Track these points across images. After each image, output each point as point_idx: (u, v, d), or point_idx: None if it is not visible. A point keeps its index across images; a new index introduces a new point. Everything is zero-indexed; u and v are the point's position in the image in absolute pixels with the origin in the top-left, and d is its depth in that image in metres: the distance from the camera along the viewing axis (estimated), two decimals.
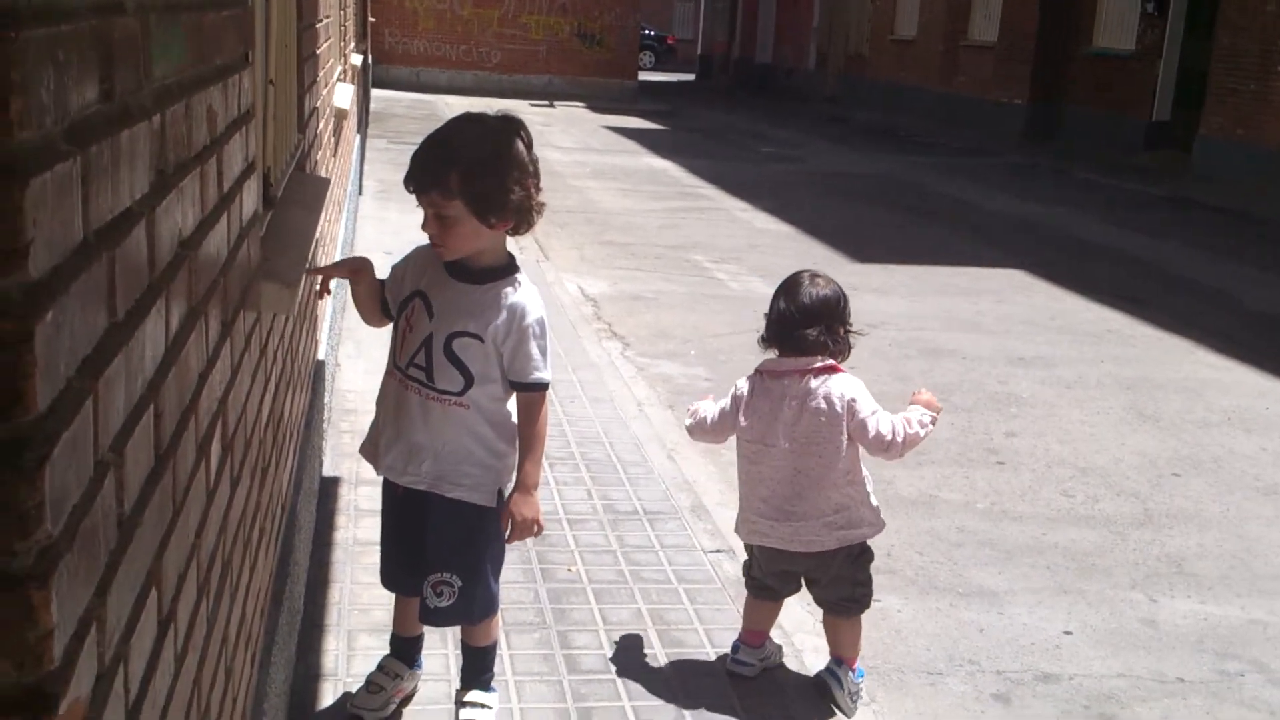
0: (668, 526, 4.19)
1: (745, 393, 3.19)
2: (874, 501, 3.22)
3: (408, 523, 2.80)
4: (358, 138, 10.33)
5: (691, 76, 40.78)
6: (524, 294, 2.67)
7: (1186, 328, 8.26)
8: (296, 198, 3.18)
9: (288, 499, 2.96)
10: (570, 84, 26.71)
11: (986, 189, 15.10)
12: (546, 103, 24.65)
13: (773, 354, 3.22)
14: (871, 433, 3.05)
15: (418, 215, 2.72)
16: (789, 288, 3.17)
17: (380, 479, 2.87)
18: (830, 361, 3.09)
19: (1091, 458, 5.57)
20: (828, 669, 3.28)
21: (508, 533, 2.73)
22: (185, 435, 1.43)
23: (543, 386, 2.69)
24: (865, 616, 3.35)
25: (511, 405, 2.75)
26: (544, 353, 2.68)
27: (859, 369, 6.82)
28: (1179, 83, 19.22)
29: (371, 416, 2.88)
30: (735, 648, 3.29)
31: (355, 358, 5.86)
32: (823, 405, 3.05)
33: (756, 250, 10.17)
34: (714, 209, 12.39)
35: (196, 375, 1.52)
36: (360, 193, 10.84)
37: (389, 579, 2.94)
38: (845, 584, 3.20)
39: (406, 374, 2.70)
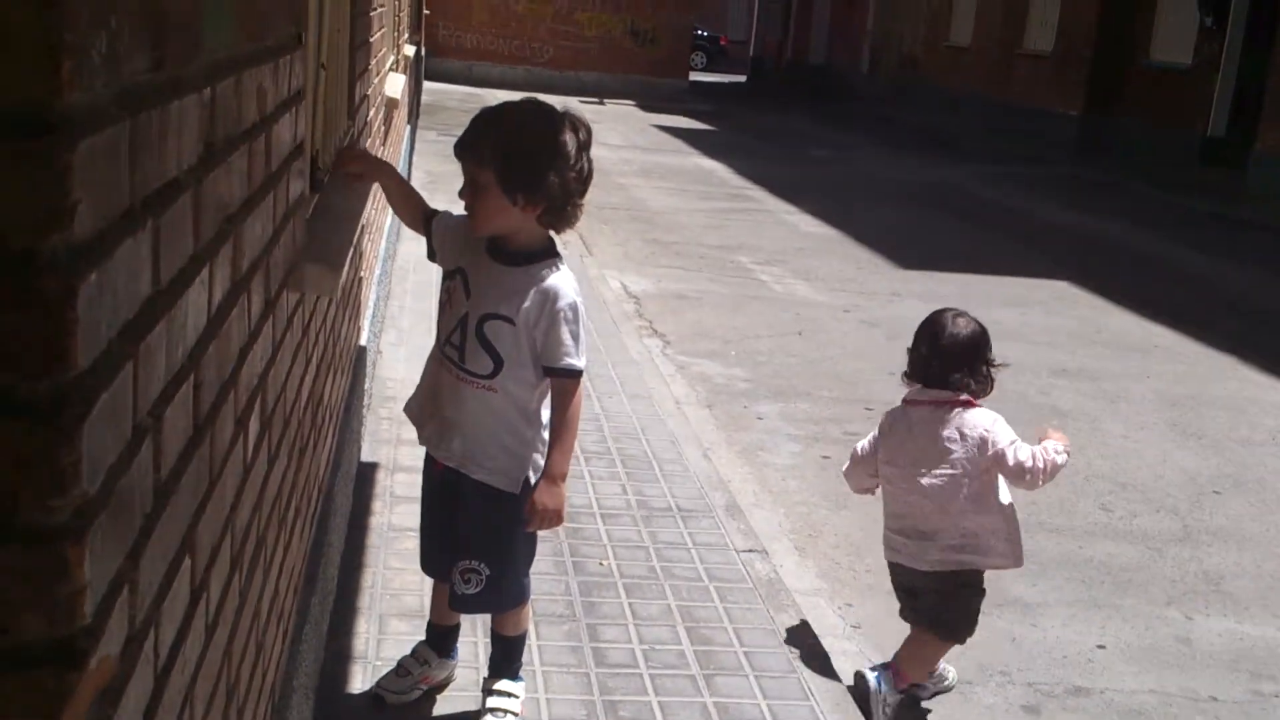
0: (701, 524, 4.19)
1: (888, 424, 3.33)
2: (1013, 534, 3.27)
3: (443, 504, 2.82)
4: (408, 128, 10.40)
5: (743, 77, 40.68)
6: (558, 278, 2.66)
7: (1235, 345, 8.14)
8: (344, 183, 3.21)
9: (325, 480, 2.99)
10: (621, 82, 26.74)
11: (1037, 199, 14.96)
12: (597, 100, 24.69)
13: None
14: (1011, 462, 3.14)
15: (460, 208, 2.75)
16: (932, 331, 3.29)
17: (418, 467, 2.89)
18: (966, 396, 3.20)
19: (1132, 473, 5.51)
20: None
21: (528, 520, 2.72)
22: (224, 408, 1.45)
23: (575, 373, 2.68)
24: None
25: (542, 392, 2.75)
26: (576, 339, 2.67)
27: (899, 375, 6.82)
28: (1236, 98, 18.95)
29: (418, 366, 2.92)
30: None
31: (397, 345, 5.90)
32: (955, 436, 3.17)
33: (801, 253, 10.13)
34: (760, 210, 12.36)
35: (237, 350, 1.54)
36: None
37: (427, 562, 2.96)
38: (945, 604, 3.27)
39: (443, 352, 2.72)
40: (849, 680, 3.37)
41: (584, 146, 2.64)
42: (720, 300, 8.19)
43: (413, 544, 3.74)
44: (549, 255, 2.69)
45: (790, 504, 4.77)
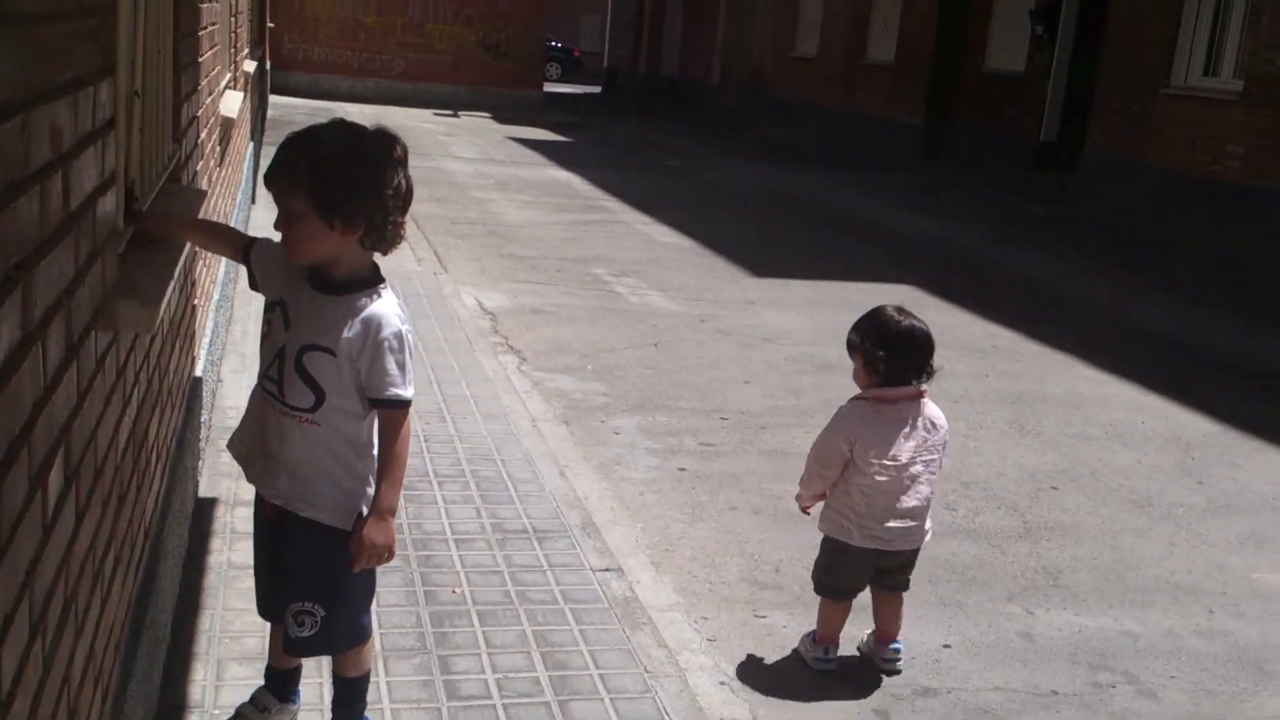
0: (557, 545, 4.17)
1: (854, 422, 3.58)
2: None
3: (273, 544, 2.74)
4: (251, 145, 10.13)
5: (598, 89, 40.85)
6: (381, 306, 2.60)
7: (1071, 343, 8.47)
8: (168, 211, 3.10)
9: (152, 524, 2.87)
10: (475, 94, 26.56)
11: (884, 206, 15.37)
12: (451, 112, 24.48)
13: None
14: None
15: None
16: (911, 331, 3.60)
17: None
18: (924, 387, 3.66)
19: (974, 471, 5.69)
20: (891, 647, 3.75)
21: (355, 557, 2.65)
22: (15, 469, 1.38)
23: (402, 404, 2.63)
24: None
25: (371, 424, 2.69)
26: (403, 368, 2.61)
27: (754, 384, 6.93)
28: (1066, 104, 19.80)
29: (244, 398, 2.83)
30: (825, 650, 3.70)
31: (240, 372, 5.73)
32: (930, 425, 3.65)
33: (657, 264, 10.20)
34: (616, 221, 12.40)
35: (30, 404, 1.46)
36: (253, 202, 10.63)
37: (263, 605, 2.87)
38: (911, 567, 3.78)
39: (263, 386, 2.65)
40: (703, 694, 3.39)
41: (399, 163, 2.59)
42: (577, 314, 8.18)
43: (253, 583, 3.64)
44: (371, 283, 2.63)
45: (647, 518, 4.78)
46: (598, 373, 6.83)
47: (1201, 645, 4.01)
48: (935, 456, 3.66)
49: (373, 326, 2.57)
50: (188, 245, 2.85)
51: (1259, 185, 14.50)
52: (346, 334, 2.56)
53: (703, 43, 32.61)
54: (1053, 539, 4.89)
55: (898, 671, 3.71)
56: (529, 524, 4.32)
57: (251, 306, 6.90)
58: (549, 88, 32.16)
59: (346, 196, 2.48)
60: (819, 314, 8.75)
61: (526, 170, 16.22)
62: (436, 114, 24.03)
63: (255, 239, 2.75)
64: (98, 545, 1.94)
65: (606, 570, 4.01)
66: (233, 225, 5.47)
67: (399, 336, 2.60)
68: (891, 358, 3.57)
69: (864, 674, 3.72)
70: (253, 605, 3.29)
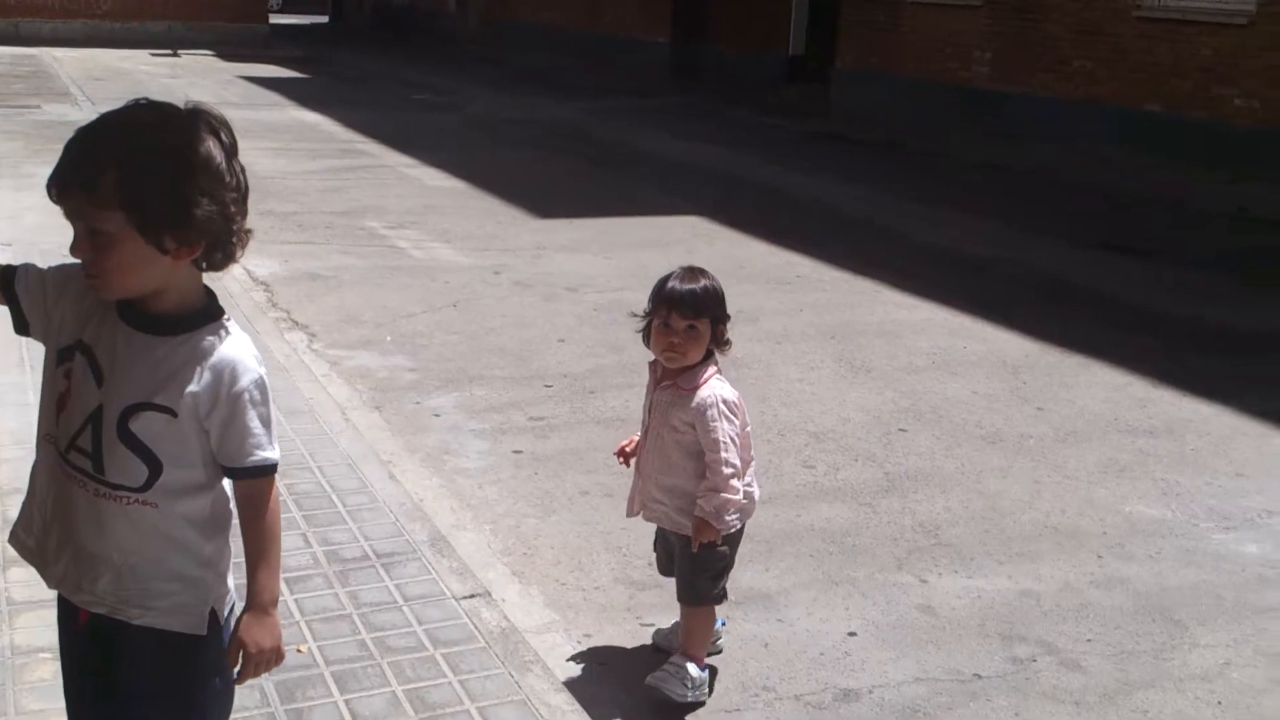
0: (407, 570, 3.59)
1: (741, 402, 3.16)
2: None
3: (95, 665, 2.07)
4: None
5: (325, 19, 38.70)
6: (232, 347, 1.97)
7: (867, 266, 8.37)
8: None
9: None
10: (195, 31, 24.49)
11: (646, 131, 15.01)
12: (170, 52, 22.48)
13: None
14: None
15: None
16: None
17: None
18: None
19: (819, 419, 5.42)
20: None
21: (237, 669, 2.06)
22: None
23: (269, 469, 2.03)
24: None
25: (220, 494, 2.07)
26: (267, 423, 2.01)
27: (569, 341, 6.44)
28: (811, 17, 19.92)
29: (11, 469, 2.11)
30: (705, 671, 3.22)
31: None
32: None
33: (434, 211, 9.49)
34: (379, 166, 11.54)
35: None
36: None
37: None
38: None
39: (67, 459, 1.97)
40: None
41: (231, 152, 1.94)
42: (359, 276, 7.44)
43: (50, 670, 2.93)
44: (211, 314, 1.99)
45: (494, 517, 4.25)
46: (398, 344, 6.18)
47: (1104, 598, 3.85)
48: None
49: (226, 375, 1.94)
50: None
51: (1007, 90, 14.96)
52: (192, 387, 1.92)
53: None
54: (919, 490, 4.67)
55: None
56: (369, 548, 3.72)
57: None
58: (273, 20, 30.11)
59: (177, 205, 1.84)
60: (615, 255, 8.31)
61: (266, 113, 14.98)
62: (154, 54, 22.01)
63: (12, 268, 2.03)
64: None
65: (472, 597, 3.47)
66: None
67: (260, 385, 1.98)
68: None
69: (773, 686, 3.35)
70: (53, 703, 2.63)
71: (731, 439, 3.06)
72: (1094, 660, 3.49)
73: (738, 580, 3.85)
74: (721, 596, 3.24)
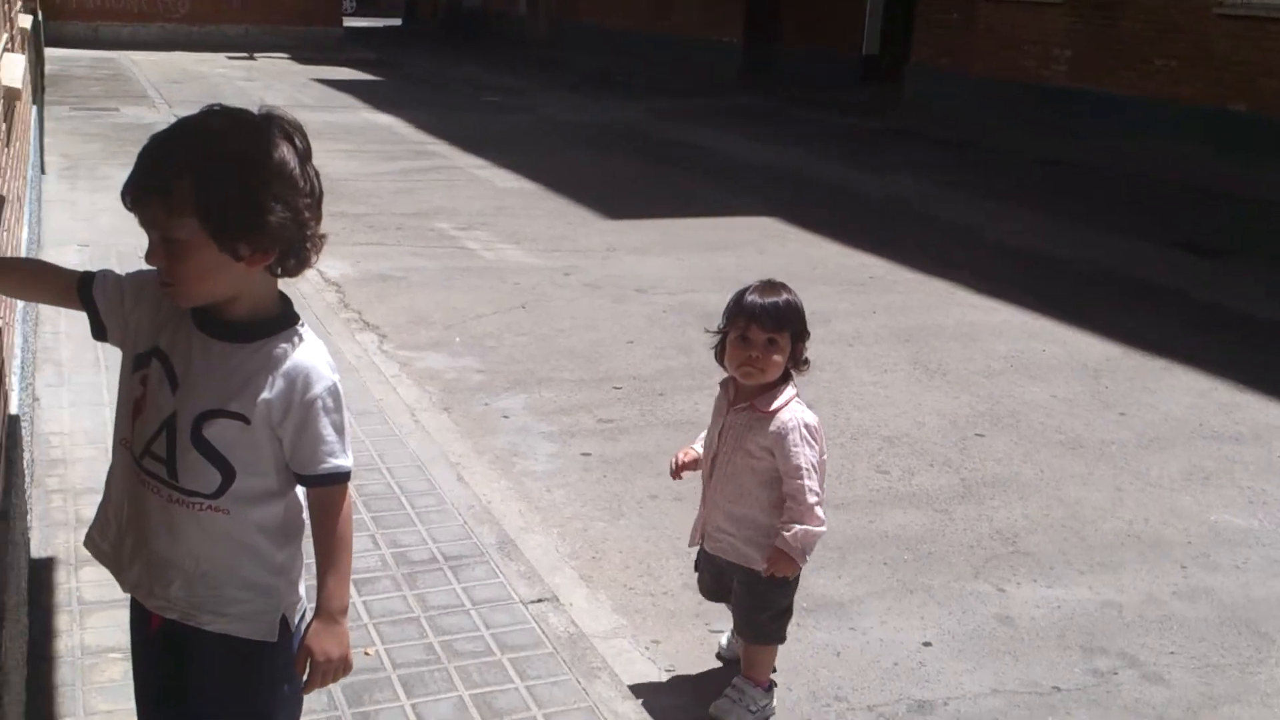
0: (475, 574, 3.57)
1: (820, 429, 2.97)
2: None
3: (167, 669, 2.07)
4: (34, 109, 8.94)
5: (398, 21, 39.15)
6: (307, 354, 1.96)
7: (941, 267, 8.24)
8: None
9: None
10: (270, 34, 24.87)
11: (716, 132, 14.93)
12: (246, 55, 22.86)
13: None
14: None
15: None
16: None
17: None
18: None
19: (893, 423, 5.32)
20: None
21: (305, 677, 2.04)
22: None
23: (342, 477, 2.01)
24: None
25: (293, 501, 2.05)
26: (341, 431, 1.99)
27: (638, 343, 6.39)
28: (885, 15, 19.71)
29: (86, 468, 2.10)
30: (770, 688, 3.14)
31: (57, 386, 4.87)
32: None
33: (505, 213, 9.51)
34: (450, 168, 11.60)
35: None
36: (44, 171, 9.45)
37: None
38: None
39: (142, 465, 1.96)
40: None
41: (305, 157, 1.93)
42: (429, 277, 7.47)
43: (120, 671, 2.95)
44: (287, 322, 1.97)
45: (562, 520, 4.22)
46: (467, 345, 6.18)
47: (1187, 610, 3.72)
48: None
49: (300, 382, 1.93)
50: None
51: (1085, 88, 14.66)
52: (265, 394, 1.91)
53: None
54: (996, 496, 4.55)
55: None
56: (437, 550, 3.71)
57: None
58: (347, 22, 30.49)
59: (251, 213, 1.82)
60: (684, 257, 8.26)
61: (341, 115, 15.15)
62: (231, 58, 22.39)
63: (90, 274, 2.03)
64: None
65: (540, 601, 3.44)
66: (34, 249, 4.61)
67: (333, 393, 1.97)
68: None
69: (845, 696, 3.28)
70: (123, 703, 2.64)
71: (813, 465, 2.88)
72: (1177, 673, 3.37)
73: (809, 588, 3.80)
74: (782, 636, 3.09)
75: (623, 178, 11.57)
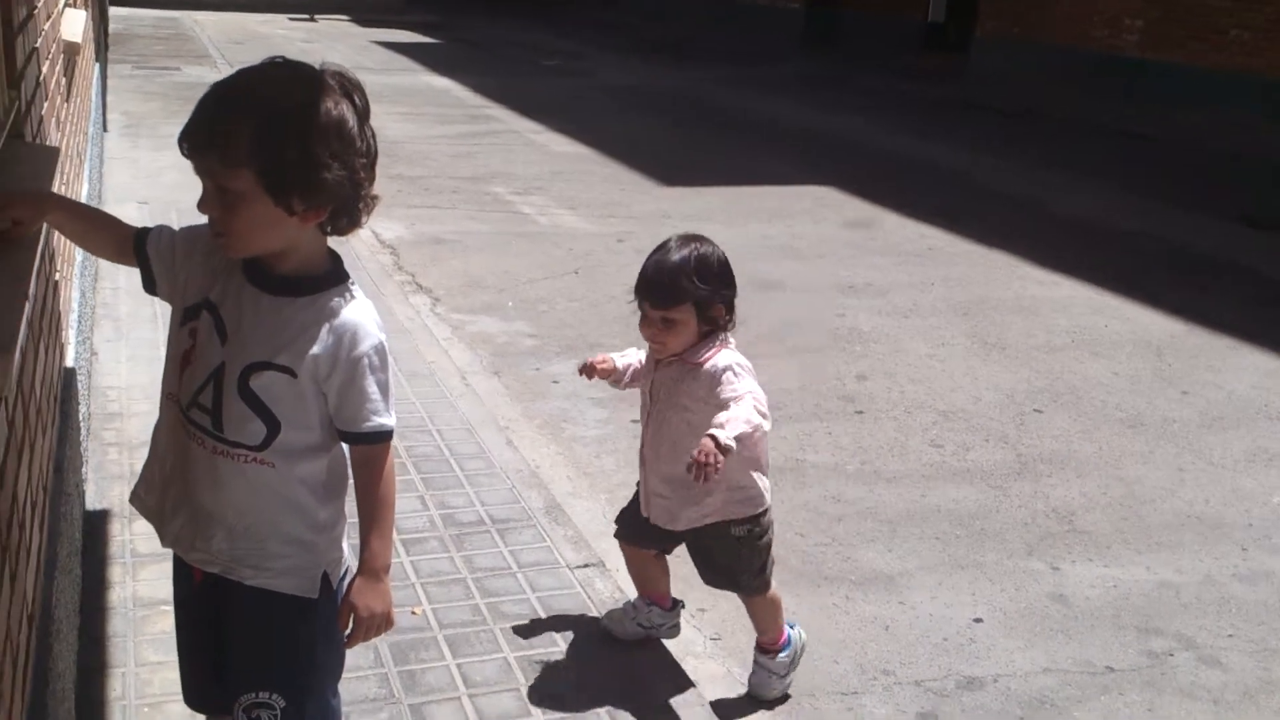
0: (522, 537, 3.57)
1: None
2: None
3: (208, 622, 2.09)
4: (96, 66, 9.03)
5: None
6: (355, 311, 1.95)
7: (1004, 240, 8.09)
8: (12, 176, 2.36)
9: (37, 597, 2.19)
10: None
11: (775, 99, 14.76)
12: (307, 17, 22.95)
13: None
14: None
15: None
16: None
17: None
18: None
19: (949, 397, 5.24)
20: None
21: (347, 632, 2.04)
22: None
23: (385, 436, 2.00)
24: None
25: (337, 458, 2.05)
26: (385, 390, 1.98)
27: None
28: None
29: (141, 423, 2.11)
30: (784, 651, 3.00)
31: (115, 341, 4.93)
32: None
33: (559, 177, 9.47)
34: (507, 132, 11.57)
35: None
36: (105, 129, 9.55)
37: (193, 695, 2.22)
38: None
39: (188, 416, 1.96)
40: (728, 713, 2.88)
41: (364, 116, 1.90)
42: (484, 241, 7.46)
43: (171, 623, 2.97)
44: (336, 278, 1.96)
45: (610, 487, 4.20)
46: (520, 309, 6.17)
47: (1247, 592, 3.63)
48: None
49: (347, 339, 1.92)
50: (41, 239, 2.13)
51: (1156, 59, 14.30)
52: (313, 349, 1.90)
53: None
54: (1054, 473, 4.47)
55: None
56: (485, 513, 3.70)
57: None
58: None
59: (307, 168, 1.80)
60: (740, 226, 8.17)
61: (400, 77, 15.17)
62: (292, 19, 22.50)
63: (146, 229, 2.03)
64: None
65: (586, 567, 3.43)
66: (94, 204, 4.63)
67: (379, 350, 1.95)
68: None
69: (893, 670, 3.23)
70: (172, 656, 2.66)
71: (753, 392, 2.60)
72: (1235, 657, 3.29)
73: (858, 560, 3.76)
74: (769, 584, 2.92)
75: (680, 144, 11.48)
